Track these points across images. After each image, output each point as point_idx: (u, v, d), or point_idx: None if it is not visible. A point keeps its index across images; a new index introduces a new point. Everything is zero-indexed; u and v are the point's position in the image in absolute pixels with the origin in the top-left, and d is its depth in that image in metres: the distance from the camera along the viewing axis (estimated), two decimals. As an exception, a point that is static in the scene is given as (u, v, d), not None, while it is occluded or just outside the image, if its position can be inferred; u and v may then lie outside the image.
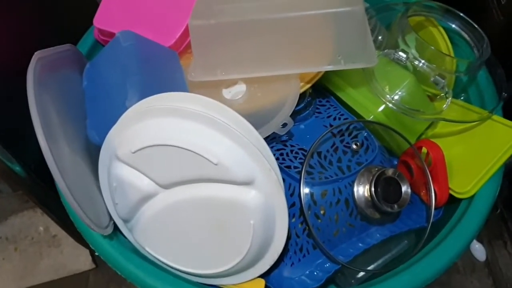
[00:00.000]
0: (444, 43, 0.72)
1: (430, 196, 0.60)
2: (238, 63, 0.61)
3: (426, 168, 0.60)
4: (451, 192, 0.62)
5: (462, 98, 0.71)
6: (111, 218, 0.60)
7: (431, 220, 0.59)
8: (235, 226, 0.51)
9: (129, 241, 0.60)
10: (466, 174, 0.61)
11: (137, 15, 0.71)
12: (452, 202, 0.62)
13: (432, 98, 0.69)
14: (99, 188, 0.59)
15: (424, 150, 0.62)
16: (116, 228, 0.60)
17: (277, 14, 0.57)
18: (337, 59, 0.58)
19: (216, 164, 0.48)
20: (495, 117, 0.64)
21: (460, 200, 0.61)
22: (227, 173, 0.49)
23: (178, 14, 0.69)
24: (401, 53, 0.64)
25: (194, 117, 0.50)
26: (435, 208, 0.61)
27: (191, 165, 0.50)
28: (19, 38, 0.71)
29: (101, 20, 0.72)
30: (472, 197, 0.60)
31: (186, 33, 0.65)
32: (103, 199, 0.59)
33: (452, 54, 0.71)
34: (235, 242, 0.52)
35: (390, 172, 0.57)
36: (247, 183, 0.50)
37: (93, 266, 1.17)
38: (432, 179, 0.61)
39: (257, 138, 0.53)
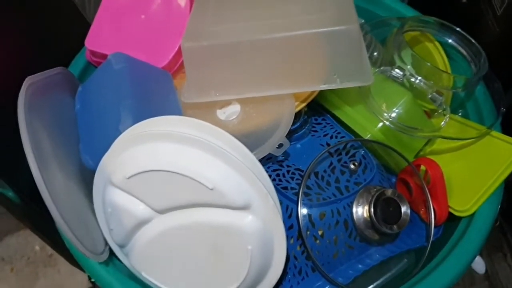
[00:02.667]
0: (440, 58, 0.72)
1: (429, 214, 0.60)
2: (232, 83, 0.60)
3: (425, 186, 0.60)
4: (450, 210, 0.61)
5: (460, 113, 0.71)
6: (106, 243, 0.58)
7: (431, 239, 0.58)
8: (232, 252, 0.50)
9: (125, 266, 0.59)
10: (465, 192, 0.61)
11: (129, 36, 0.70)
12: (452, 220, 0.61)
13: (430, 114, 0.69)
14: (94, 213, 0.58)
15: (422, 168, 0.61)
16: (112, 253, 0.59)
17: (271, 35, 0.56)
18: (333, 78, 0.57)
19: (211, 189, 0.47)
20: (494, 133, 0.63)
21: (460, 218, 0.61)
22: (223, 198, 0.48)
23: (171, 34, 0.68)
24: (397, 70, 0.63)
25: (188, 142, 0.49)
26: (434, 227, 0.60)
27: (186, 190, 0.49)
28: (10, 61, 0.70)
29: (92, 42, 0.71)
30: (472, 215, 0.59)
31: (179, 53, 0.64)
32: (98, 224, 0.58)
33: (449, 69, 0.71)
34: (232, 267, 0.51)
35: (389, 192, 0.56)
36: (243, 208, 0.49)
37: (90, 285, 1.15)
38: (431, 197, 0.60)
39: (253, 162, 0.52)
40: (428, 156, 0.66)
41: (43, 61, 0.66)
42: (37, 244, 1.26)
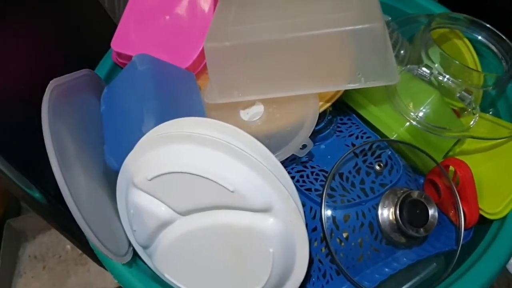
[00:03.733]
0: (470, 56, 0.70)
1: (459, 217, 0.58)
2: (255, 84, 0.59)
3: (454, 188, 0.58)
4: (481, 212, 0.59)
5: (490, 112, 0.68)
6: (130, 244, 0.59)
7: (461, 243, 0.57)
8: (253, 255, 0.50)
9: (148, 268, 0.59)
10: (497, 194, 0.58)
11: (154, 37, 0.71)
12: (483, 223, 0.59)
13: (459, 112, 0.67)
14: (118, 215, 0.58)
15: (451, 168, 0.60)
16: (135, 254, 0.59)
17: (294, 34, 0.55)
18: (357, 77, 0.56)
19: (232, 192, 0.47)
20: (527, 132, 0.61)
21: (491, 221, 0.59)
22: (244, 201, 0.48)
23: (195, 35, 0.68)
24: (424, 69, 0.61)
25: (210, 144, 0.49)
26: (464, 230, 0.58)
27: (207, 192, 0.48)
28: (37, 63, 0.71)
29: (118, 43, 0.72)
30: (504, 218, 0.57)
31: (203, 54, 0.64)
32: (122, 225, 0.58)
33: (479, 67, 0.68)
34: (254, 270, 0.50)
35: (416, 194, 0.55)
36: (264, 210, 0.48)
37: (119, 284, 1.17)
38: (460, 199, 0.58)
39: (274, 164, 0.51)
40: (458, 157, 0.64)
41: (70, 63, 0.66)
42: (68, 243, 1.28)
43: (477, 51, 0.70)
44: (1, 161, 0.64)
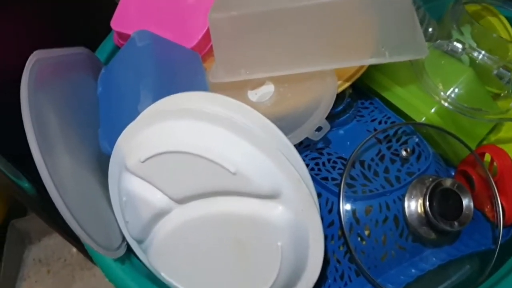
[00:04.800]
0: (507, 34, 0.63)
1: (497, 212, 0.51)
2: (265, 60, 0.53)
3: (491, 179, 0.51)
4: (523, 207, 0.52)
5: (530, 97, 0.61)
6: (124, 238, 0.53)
7: (499, 242, 0.50)
8: (260, 249, 0.44)
9: (144, 266, 0.53)
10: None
11: (157, 16, 0.66)
12: (525, 220, 0.52)
13: (494, 98, 0.60)
14: (111, 205, 0.53)
15: (487, 157, 0.53)
16: (130, 250, 0.53)
17: (309, 1, 0.49)
18: (381, 50, 0.50)
19: (234, 174, 0.41)
20: None
21: (535, 217, 0.51)
22: (248, 184, 0.41)
23: (200, 14, 0.63)
24: (456, 43, 0.55)
25: (210, 119, 0.43)
26: (503, 227, 0.51)
27: (206, 175, 0.42)
28: (33, 47, 0.67)
29: (119, 22, 0.67)
30: (550, 213, 0.50)
31: (209, 34, 0.59)
32: (115, 217, 0.52)
33: (517, 47, 0.62)
34: (260, 267, 0.44)
35: (448, 183, 0.48)
36: (272, 196, 0.42)
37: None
38: (498, 192, 0.51)
39: (285, 144, 0.45)
40: (494, 145, 0.57)
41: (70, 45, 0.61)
42: (73, 247, 1.24)
43: (515, 29, 0.64)
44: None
